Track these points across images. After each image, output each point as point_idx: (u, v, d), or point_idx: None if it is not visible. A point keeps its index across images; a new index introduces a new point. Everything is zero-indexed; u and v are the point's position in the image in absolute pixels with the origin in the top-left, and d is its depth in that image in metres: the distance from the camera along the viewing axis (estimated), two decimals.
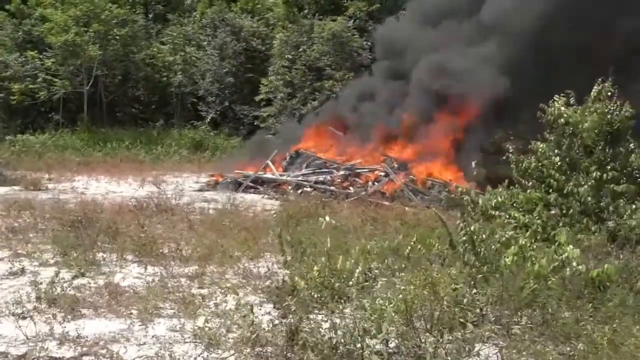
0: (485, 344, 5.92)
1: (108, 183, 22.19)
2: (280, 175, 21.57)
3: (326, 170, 21.03)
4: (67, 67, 34.83)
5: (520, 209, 9.34)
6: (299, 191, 19.91)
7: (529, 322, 6.16)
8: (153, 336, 6.56)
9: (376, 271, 7.99)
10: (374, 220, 12.42)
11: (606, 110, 9.49)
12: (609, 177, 9.11)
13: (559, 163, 9.29)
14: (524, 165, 9.62)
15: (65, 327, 6.53)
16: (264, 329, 6.26)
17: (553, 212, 9.19)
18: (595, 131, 9.26)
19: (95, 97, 36.46)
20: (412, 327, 5.82)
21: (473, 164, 10.56)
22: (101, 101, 36.77)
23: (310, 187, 19.96)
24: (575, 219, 8.97)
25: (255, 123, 34.82)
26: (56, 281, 7.70)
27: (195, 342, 6.36)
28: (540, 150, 9.44)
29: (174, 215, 13.86)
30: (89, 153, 30.53)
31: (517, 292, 6.61)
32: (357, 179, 20.37)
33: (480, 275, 7.18)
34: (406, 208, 14.83)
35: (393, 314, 5.74)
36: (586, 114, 9.29)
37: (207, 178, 23.58)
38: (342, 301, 7.34)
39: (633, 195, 9.12)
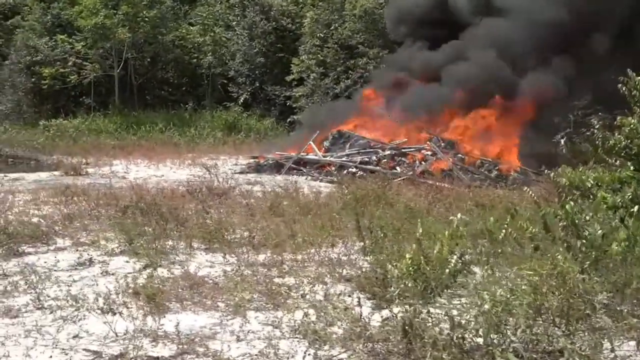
0: (624, 338, 5.46)
1: (147, 167, 21.92)
2: (323, 156, 21.10)
3: (371, 150, 20.56)
4: (97, 50, 34.56)
5: (609, 189, 8.79)
6: (344, 172, 19.46)
7: None
8: (249, 331, 6.13)
9: (469, 257, 7.52)
10: (440, 201, 11.96)
11: None
12: None
13: None
14: (610, 142, 9.04)
15: (157, 322, 6.12)
16: (366, 322, 5.84)
17: None
18: None
19: (125, 80, 36.16)
20: (541, 320, 5.37)
21: (562, 141, 10.00)
22: (131, 84, 36.46)
23: (356, 167, 19.51)
24: None
25: (288, 103, 34.37)
26: (146, 274, 7.32)
27: (297, 337, 5.94)
28: (631, 126, 8.86)
29: (227, 199, 13.47)
30: (123, 137, 30.28)
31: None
32: (403, 159, 19.90)
33: (588, 262, 6.69)
34: (467, 190, 14.25)
35: (526, 308, 5.28)
36: None
37: (246, 160, 23.20)
38: (439, 291, 6.92)
39: None
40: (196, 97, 37.67)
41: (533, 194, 8.28)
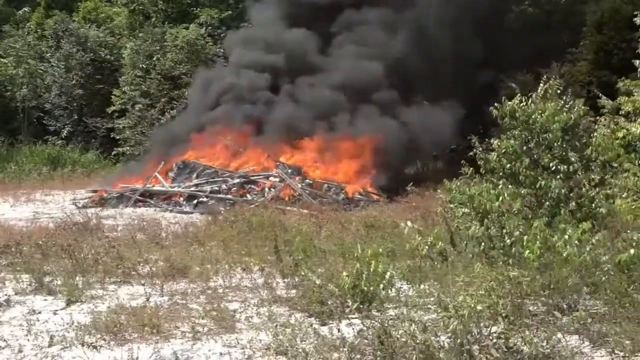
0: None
1: None
2: (171, 186, 21.07)
3: (220, 179, 20.81)
4: None
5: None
6: (194, 202, 19.65)
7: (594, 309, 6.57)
8: (222, 354, 6.37)
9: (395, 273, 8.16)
10: (323, 225, 12.58)
11: (558, 107, 10.12)
12: (572, 170, 9.75)
13: (527, 161, 9.78)
14: (491, 164, 10.03)
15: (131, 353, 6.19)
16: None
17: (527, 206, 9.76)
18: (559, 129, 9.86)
19: None
20: (502, 323, 6.04)
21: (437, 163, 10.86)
22: None
23: (206, 197, 19.71)
24: (550, 211, 9.56)
25: (112, 135, 33.74)
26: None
27: (277, 356, 6.24)
28: (510, 148, 9.88)
29: (99, 233, 13.30)
30: None
31: (563, 281, 6.99)
32: (253, 186, 20.34)
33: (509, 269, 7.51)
34: (336, 213, 14.98)
35: (488, 310, 5.94)
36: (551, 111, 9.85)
37: (85, 194, 22.57)
38: (375, 305, 7.50)
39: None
40: (9, 131, 35.99)
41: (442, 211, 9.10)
